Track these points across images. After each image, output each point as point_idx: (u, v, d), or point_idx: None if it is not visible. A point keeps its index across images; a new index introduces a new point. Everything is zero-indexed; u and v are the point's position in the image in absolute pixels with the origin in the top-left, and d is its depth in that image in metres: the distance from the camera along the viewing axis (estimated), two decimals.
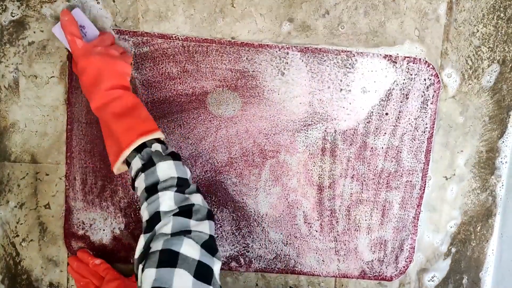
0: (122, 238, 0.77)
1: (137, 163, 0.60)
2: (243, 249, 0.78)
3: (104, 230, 0.77)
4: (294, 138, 0.75)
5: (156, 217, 0.55)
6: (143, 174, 0.59)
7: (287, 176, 0.76)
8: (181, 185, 0.58)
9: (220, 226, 0.77)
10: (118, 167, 0.62)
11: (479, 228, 0.81)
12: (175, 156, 0.60)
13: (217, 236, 0.78)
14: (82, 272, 0.75)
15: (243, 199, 0.76)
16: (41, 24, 0.72)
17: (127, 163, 0.62)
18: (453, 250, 0.81)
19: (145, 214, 0.57)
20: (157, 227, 0.55)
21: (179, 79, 0.73)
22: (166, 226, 0.54)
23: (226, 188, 0.76)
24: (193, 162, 0.75)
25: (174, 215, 0.55)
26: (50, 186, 0.76)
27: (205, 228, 0.55)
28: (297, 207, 0.77)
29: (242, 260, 0.78)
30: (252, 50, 0.73)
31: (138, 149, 0.60)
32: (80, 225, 0.76)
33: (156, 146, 0.61)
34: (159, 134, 0.62)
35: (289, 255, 0.78)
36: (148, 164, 0.59)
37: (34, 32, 0.72)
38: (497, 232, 0.82)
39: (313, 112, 0.75)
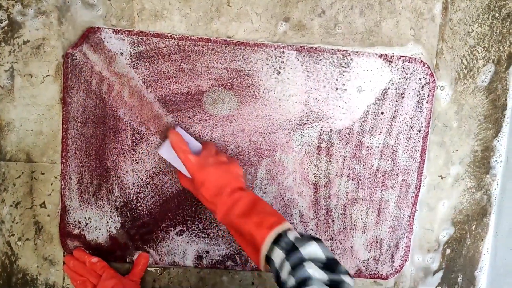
0: (118, 237, 0.77)
1: (278, 254, 0.57)
2: (239, 248, 0.78)
3: (100, 229, 0.77)
4: (290, 137, 0.75)
5: (304, 283, 0.51)
6: (287, 262, 0.55)
7: (283, 175, 0.76)
8: (330, 264, 0.54)
9: (216, 225, 0.77)
10: (263, 265, 0.60)
11: (474, 227, 0.82)
12: (317, 239, 0.58)
13: (213, 235, 0.78)
14: (78, 271, 0.75)
15: None
16: (36, 23, 0.72)
17: (267, 260, 0.59)
18: (448, 249, 0.82)
19: (290, 281, 0.53)
20: None
21: (175, 78, 0.73)
22: None
23: None
24: None
25: (325, 284, 0.51)
26: (45, 185, 0.76)
27: None
28: (293, 206, 0.77)
29: (238, 259, 0.78)
30: (247, 49, 0.73)
31: (276, 242, 0.58)
32: (75, 224, 0.76)
33: (294, 234, 0.59)
34: (288, 225, 0.60)
35: None
36: (292, 250, 0.56)
37: (29, 31, 0.72)
38: (492, 231, 0.82)
39: (309, 111, 0.75)
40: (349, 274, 0.55)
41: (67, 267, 0.76)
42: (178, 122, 0.74)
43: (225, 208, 0.63)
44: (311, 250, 0.56)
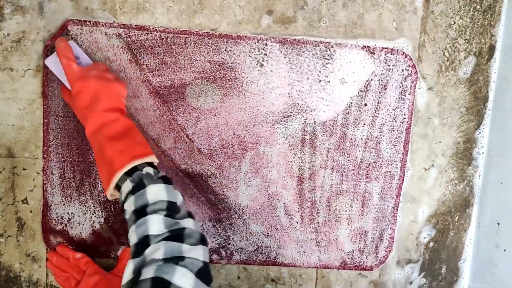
0: (101, 233, 0.76)
1: (127, 185, 0.58)
2: (224, 241, 0.78)
3: (83, 224, 0.76)
4: (274, 130, 0.75)
5: (145, 241, 0.53)
6: (132, 196, 0.57)
7: (267, 168, 0.76)
8: (172, 209, 0.56)
9: (201, 219, 0.77)
10: (111, 192, 0.60)
11: (457, 218, 0.83)
12: (166, 180, 0.59)
13: None
14: (62, 267, 0.74)
15: (223, 191, 0.76)
16: (16, 16, 0.71)
17: (117, 188, 0.60)
18: (432, 240, 0.82)
19: (133, 238, 0.55)
20: (146, 251, 0.52)
21: (158, 71, 0.72)
22: (157, 251, 0.51)
23: (206, 180, 0.76)
24: (172, 154, 0.75)
25: (164, 239, 0.53)
26: (27, 180, 0.75)
27: (199, 254, 0.53)
28: (278, 199, 0.77)
29: (223, 252, 0.78)
30: (230, 41, 0.73)
31: (130, 173, 0.59)
32: (58, 220, 0.75)
33: (148, 170, 0.59)
34: (152, 158, 0.61)
35: (270, 247, 0.79)
36: (138, 187, 0.57)
37: (9, 24, 0.71)
38: (475, 221, 0.83)
39: (292, 103, 0.75)
40: (190, 216, 0.57)
41: (50, 264, 0.75)
42: (74, 39, 0.71)
43: (96, 125, 0.61)
44: (155, 190, 0.57)
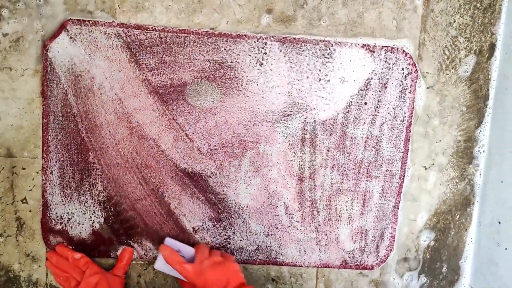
0: (101, 232, 0.76)
1: None
2: (224, 241, 0.78)
3: (83, 224, 0.76)
4: (274, 129, 0.75)
5: None
6: None
7: (267, 167, 0.76)
8: None
9: (201, 219, 0.77)
10: None
11: (458, 217, 0.82)
12: None
13: (198, 229, 0.77)
14: (61, 267, 0.74)
15: (223, 191, 0.76)
16: (15, 15, 0.71)
17: None
18: (433, 239, 0.82)
19: None
20: None
21: (157, 70, 0.72)
22: None
23: (206, 179, 0.76)
24: (172, 153, 0.74)
25: None
26: (26, 180, 0.75)
27: None
28: (278, 198, 0.77)
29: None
30: (230, 40, 0.72)
31: None
32: (58, 220, 0.75)
33: None
34: None
35: (270, 246, 0.78)
36: None
37: (8, 24, 0.71)
38: (476, 220, 0.83)
39: (292, 102, 0.74)
40: None
41: (50, 264, 0.75)
42: (167, 233, 0.76)
43: None
44: None
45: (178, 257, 0.70)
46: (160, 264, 0.73)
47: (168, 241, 0.74)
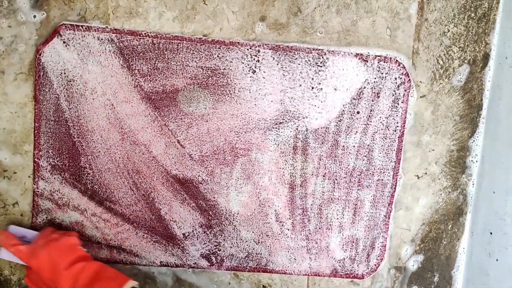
0: (92, 238, 0.76)
1: None
2: (214, 247, 0.78)
3: (74, 229, 0.75)
4: (266, 136, 0.75)
5: None
6: None
7: (258, 175, 0.76)
8: None
9: (192, 225, 0.77)
10: None
11: (450, 226, 0.82)
12: None
13: (188, 235, 0.77)
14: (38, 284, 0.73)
15: (214, 198, 0.76)
16: (8, 20, 0.71)
17: None
18: (424, 248, 0.82)
19: None
20: None
21: (150, 76, 0.72)
22: None
23: (197, 186, 0.75)
24: (163, 160, 0.74)
25: None
26: (18, 184, 0.75)
27: None
28: (269, 206, 0.77)
29: (213, 258, 0.78)
30: (223, 47, 0.72)
31: None
32: (48, 224, 0.75)
33: None
34: (132, 283, 0.64)
35: (260, 254, 0.78)
36: None
37: (1, 28, 0.71)
38: (468, 230, 0.82)
39: (284, 110, 0.74)
40: None
41: (28, 280, 0.73)
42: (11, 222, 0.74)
43: (69, 284, 0.63)
44: None
45: (14, 240, 0.67)
46: (3, 252, 0.69)
47: (11, 227, 0.72)
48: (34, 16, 0.71)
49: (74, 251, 0.66)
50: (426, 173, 0.80)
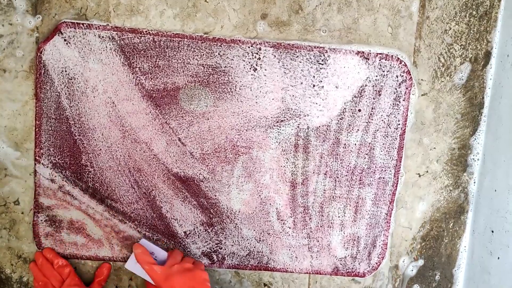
0: (92, 235, 0.76)
1: None
2: (215, 245, 0.78)
3: (75, 227, 0.76)
4: (267, 134, 0.75)
5: None
6: None
7: (259, 173, 0.76)
8: None
9: (193, 223, 0.77)
10: None
11: (451, 224, 0.82)
12: None
13: (190, 233, 0.77)
14: (44, 271, 0.74)
15: (215, 196, 0.76)
16: (9, 17, 0.71)
17: None
18: (426, 246, 0.82)
19: None
20: None
21: (150, 74, 0.72)
22: None
23: (198, 184, 0.75)
24: (164, 158, 0.74)
25: None
26: (19, 182, 0.75)
27: None
28: (270, 204, 0.77)
29: (215, 256, 0.78)
30: (224, 45, 0.72)
31: None
32: (49, 222, 0.75)
33: None
34: None
35: (262, 252, 0.78)
36: None
37: (2, 25, 0.71)
38: (469, 228, 0.82)
39: (285, 108, 0.74)
40: None
41: (34, 265, 0.75)
42: (144, 234, 0.76)
43: None
44: None
45: (149, 258, 0.70)
46: (131, 264, 0.72)
47: (143, 241, 0.74)
48: (35, 14, 0.71)
49: (204, 286, 0.68)
50: (427, 171, 0.80)
